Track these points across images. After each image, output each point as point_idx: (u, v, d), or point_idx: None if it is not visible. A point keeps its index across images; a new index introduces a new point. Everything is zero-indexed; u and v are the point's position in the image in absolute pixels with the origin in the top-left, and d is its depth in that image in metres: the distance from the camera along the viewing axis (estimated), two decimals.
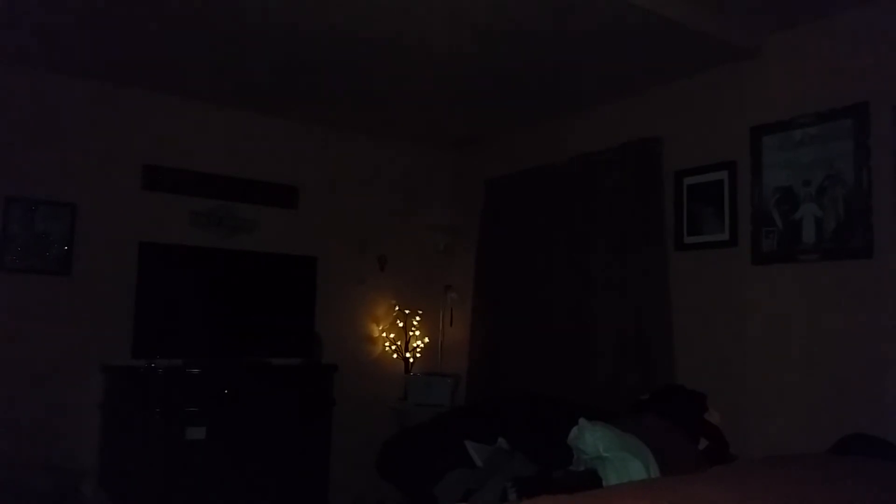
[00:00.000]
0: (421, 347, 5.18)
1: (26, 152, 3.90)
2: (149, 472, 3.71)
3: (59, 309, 3.94)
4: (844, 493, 1.89)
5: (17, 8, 3.23)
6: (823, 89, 3.19)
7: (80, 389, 3.95)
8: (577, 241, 4.23)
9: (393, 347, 5.13)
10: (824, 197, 3.13)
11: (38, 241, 3.92)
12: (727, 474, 2.13)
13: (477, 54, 3.63)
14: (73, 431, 3.91)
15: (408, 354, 5.14)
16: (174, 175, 4.36)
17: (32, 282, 3.89)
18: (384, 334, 5.14)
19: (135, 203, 4.22)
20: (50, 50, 3.73)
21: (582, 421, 2.65)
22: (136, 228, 4.15)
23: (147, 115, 4.29)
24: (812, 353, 3.14)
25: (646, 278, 3.80)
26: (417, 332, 5.16)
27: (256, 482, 4.01)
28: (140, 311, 3.99)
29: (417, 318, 5.15)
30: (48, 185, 3.96)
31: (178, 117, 4.40)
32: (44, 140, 3.96)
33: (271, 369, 4.32)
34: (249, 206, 4.61)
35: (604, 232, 4.07)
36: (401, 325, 5.14)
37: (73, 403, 3.93)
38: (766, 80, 3.44)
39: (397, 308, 5.16)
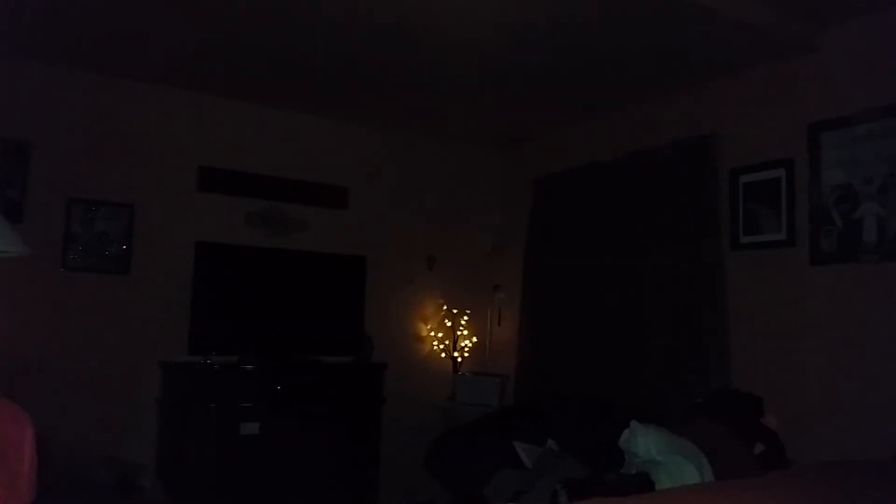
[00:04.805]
0: (469, 347, 5.18)
1: (87, 155, 4.03)
2: (204, 466, 3.80)
3: (118, 307, 4.06)
4: None
5: (78, 12, 3.33)
6: (885, 83, 3.08)
7: (139, 385, 4.06)
8: (628, 239, 4.18)
9: (441, 347, 5.15)
10: (886, 195, 3.03)
11: (99, 240, 4.05)
12: (783, 480, 2.08)
13: (525, 51, 3.61)
14: (131, 426, 4.02)
15: (456, 354, 5.15)
16: (228, 176, 4.45)
17: (93, 280, 4.02)
18: (432, 333, 5.16)
19: (190, 203, 4.33)
20: (108, 55, 3.84)
21: (634, 423, 2.62)
22: (191, 228, 4.25)
23: (202, 117, 4.39)
24: (872, 356, 3.04)
25: (700, 278, 3.73)
26: (465, 332, 5.17)
27: (308, 478, 4.06)
28: (196, 309, 4.09)
29: (465, 318, 5.16)
30: (108, 186, 4.08)
31: (232, 119, 4.49)
32: (103, 143, 4.08)
33: (322, 367, 4.37)
34: (301, 206, 4.67)
35: (656, 231, 4.00)
36: (449, 324, 5.15)
37: (132, 399, 4.04)
38: (823, 74, 3.34)
39: (445, 307, 5.17)
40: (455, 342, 5.14)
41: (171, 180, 4.28)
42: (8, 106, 3.74)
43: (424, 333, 5.18)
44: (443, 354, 5.16)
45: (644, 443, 2.54)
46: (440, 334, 5.15)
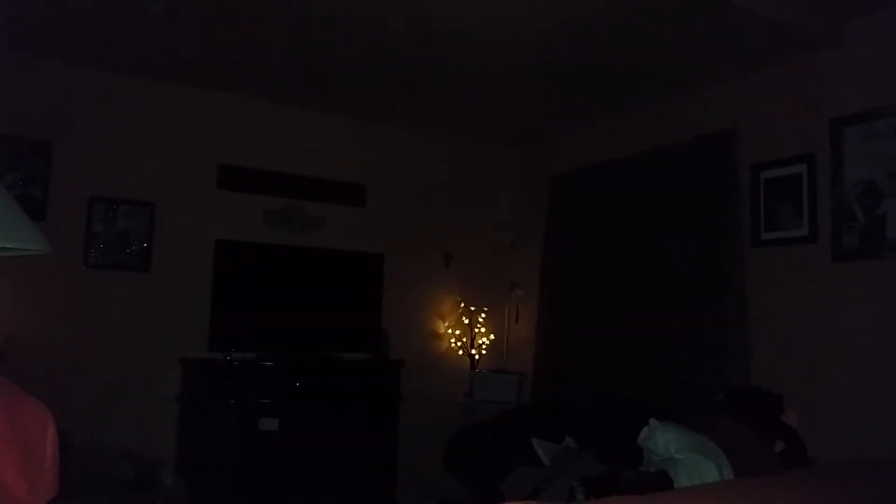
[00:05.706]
0: (486, 344, 5.18)
1: (108, 154, 4.07)
2: (223, 461, 3.83)
3: (139, 304, 4.10)
4: None
5: (99, 13, 3.37)
6: None
7: (159, 381, 4.10)
8: (646, 236, 4.15)
9: (458, 344, 5.15)
10: None
11: (120, 238, 4.09)
12: (805, 478, 2.05)
13: (542, 47, 3.59)
14: (152, 421, 4.06)
15: (473, 351, 5.14)
16: (247, 174, 4.48)
17: (114, 278, 4.06)
18: (450, 331, 5.17)
19: (210, 202, 4.36)
20: (129, 54, 3.88)
21: (653, 421, 2.60)
22: (211, 226, 4.28)
23: (221, 116, 4.42)
24: (895, 352, 3.01)
25: (720, 275, 3.70)
26: (483, 329, 5.17)
27: (326, 473, 4.08)
28: (216, 306, 4.13)
29: (483, 315, 5.15)
30: (129, 185, 4.12)
31: (252, 118, 4.52)
32: (124, 142, 4.12)
33: (341, 364, 4.39)
34: (319, 204, 4.69)
35: (676, 227, 3.97)
36: (466, 321, 5.15)
37: (152, 395, 4.08)
38: (846, 69, 3.30)
39: (462, 304, 5.17)
40: (472, 339, 5.14)
41: (191, 179, 4.32)
42: (30, 105, 3.80)
43: (442, 330, 5.18)
44: (460, 352, 5.16)
45: (663, 441, 2.52)
46: (457, 331, 5.15)
